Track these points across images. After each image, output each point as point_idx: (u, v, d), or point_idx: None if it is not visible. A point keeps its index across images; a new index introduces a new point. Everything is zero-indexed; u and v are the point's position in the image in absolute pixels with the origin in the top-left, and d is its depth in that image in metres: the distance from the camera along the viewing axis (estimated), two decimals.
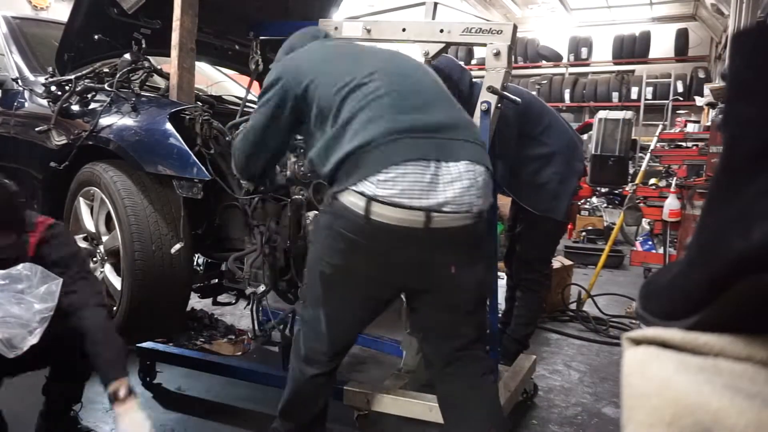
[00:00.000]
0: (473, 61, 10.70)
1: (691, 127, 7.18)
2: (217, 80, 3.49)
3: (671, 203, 4.73)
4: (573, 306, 3.99)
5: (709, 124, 6.42)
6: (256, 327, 2.26)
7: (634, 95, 10.55)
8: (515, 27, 2.01)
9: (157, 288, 2.06)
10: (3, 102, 2.69)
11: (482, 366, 1.61)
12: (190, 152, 1.95)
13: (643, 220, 5.24)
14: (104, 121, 2.20)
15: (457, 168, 1.35)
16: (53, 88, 2.41)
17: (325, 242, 1.46)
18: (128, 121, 2.14)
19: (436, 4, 2.24)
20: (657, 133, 5.26)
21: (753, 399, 0.29)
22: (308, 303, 1.58)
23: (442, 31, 2.10)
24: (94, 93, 2.34)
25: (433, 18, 2.25)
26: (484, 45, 2.00)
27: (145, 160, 2.03)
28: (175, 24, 2.23)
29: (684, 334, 0.34)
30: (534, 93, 2.95)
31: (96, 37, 2.46)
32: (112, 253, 2.21)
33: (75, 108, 2.35)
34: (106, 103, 2.22)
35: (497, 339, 2.29)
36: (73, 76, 2.38)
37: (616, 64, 11.19)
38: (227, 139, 2.12)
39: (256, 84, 2.81)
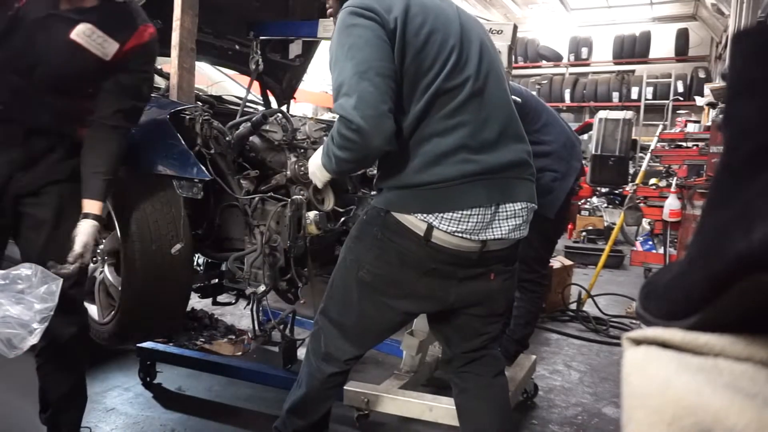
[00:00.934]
0: None
1: (691, 127, 7.18)
2: (217, 80, 3.49)
3: (671, 203, 4.73)
4: (573, 306, 3.99)
5: (709, 124, 6.42)
6: (256, 327, 2.26)
7: (634, 95, 10.56)
8: (515, 27, 2.01)
9: (157, 288, 2.05)
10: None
11: (497, 365, 1.66)
12: (190, 152, 1.95)
13: (644, 220, 5.24)
14: None
15: (513, 208, 1.41)
16: None
17: (370, 252, 1.44)
18: None
19: None
20: (657, 133, 5.26)
21: (753, 399, 0.29)
22: (337, 303, 1.55)
23: None
24: None
25: None
26: None
27: (145, 160, 2.02)
28: (175, 24, 2.23)
29: (684, 334, 0.34)
30: (534, 93, 2.95)
31: None
32: (112, 253, 2.21)
33: None
34: None
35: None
36: None
37: (616, 64, 11.20)
38: (227, 139, 2.13)
39: (256, 84, 2.82)
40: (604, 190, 6.95)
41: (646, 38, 10.91)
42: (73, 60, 1.58)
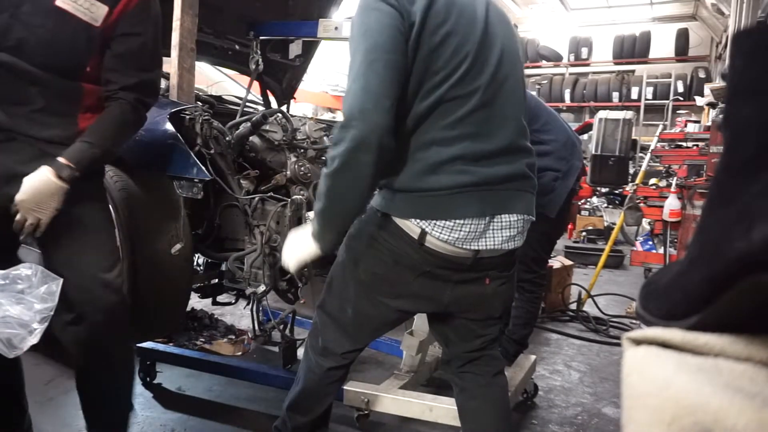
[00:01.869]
0: None
1: (691, 127, 7.18)
2: (217, 80, 3.49)
3: (671, 203, 4.73)
4: (573, 306, 3.99)
5: (709, 124, 6.42)
6: (256, 327, 2.26)
7: (634, 95, 10.56)
8: (515, 27, 2.01)
9: (157, 288, 2.05)
10: None
11: (497, 365, 1.66)
12: (190, 152, 1.95)
13: (644, 220, 5.24)
14: None
15: (508, 219, 1.40)
16: None
17: (367, 251, 1.44)
18: None
19: None
20: (657, 133, 5.26)
21: (753, 399, 0.29)
22: (334, 298, 1.56)
23: None
24: None
25: None
26: None
27: (145, 160, 2.02)
28: (175, 24, 2.23)
29: (684, 334, 0.34)
30: (534, 93, 2.95)
31: None
32: None
33: None
34: None
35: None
36: None
37: (616, 64, 11.20)
38: (227, 139, 2.13)
39: (256, 84, 2.82)
40: (604, 190, 6.95)
41: (646, 38, 10.91)
42: (61, 28, 1.46)
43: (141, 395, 2.41)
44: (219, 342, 2.96)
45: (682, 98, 9.86)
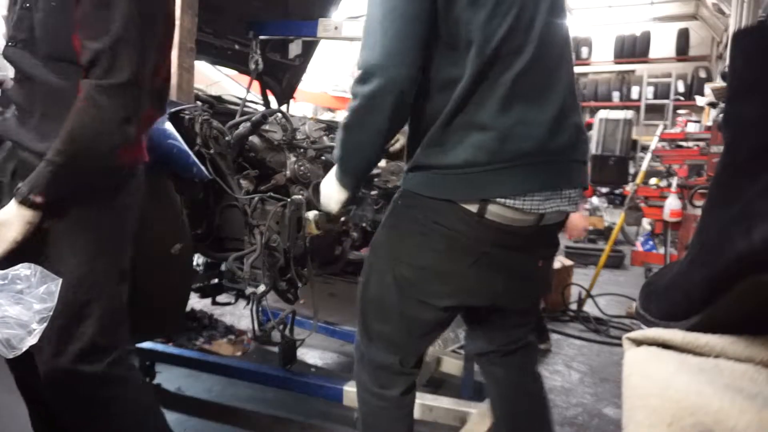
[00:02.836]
0: None
1: (691, 127, 7.17)
2: (217, 80, 3.49)
3: (672, 203, 4.73)
4: (573, 306, 3.99)
5: (710, 123, 6.41)
6: (256, 327, 2.26)
7: (634, 95, 10.56)
8: None
9: (157, 288, 2.05)
10: (2, 101, 2.69)
11: (534, 358, 1.59)
12: (190, 152, 1.95)
13: (644, 220, 5.24)
14: None
15: (568, 193, 1.28)
16: None
17: (410, 239, 1.28)
18: None
19: None
20: (658, 133, 5.26)
21: (754, 399, 0.29)
22: (375, 312, 1.39)
23: None
24: None
25: None
26: None
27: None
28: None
29: (685, 335, 0.34)
30: None
31: None
32: None
33: None
34: None
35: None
36: None
37: (616, 63, 11.19)
38: (227, 139, 2.13)
39: (256, 84, 2.81)
40: (604, 190, 6.95)
41: (646, 38, 10.90)
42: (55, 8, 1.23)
43: None
44: (218, 342, 2.95)
45: (682, 98, 9.85)
